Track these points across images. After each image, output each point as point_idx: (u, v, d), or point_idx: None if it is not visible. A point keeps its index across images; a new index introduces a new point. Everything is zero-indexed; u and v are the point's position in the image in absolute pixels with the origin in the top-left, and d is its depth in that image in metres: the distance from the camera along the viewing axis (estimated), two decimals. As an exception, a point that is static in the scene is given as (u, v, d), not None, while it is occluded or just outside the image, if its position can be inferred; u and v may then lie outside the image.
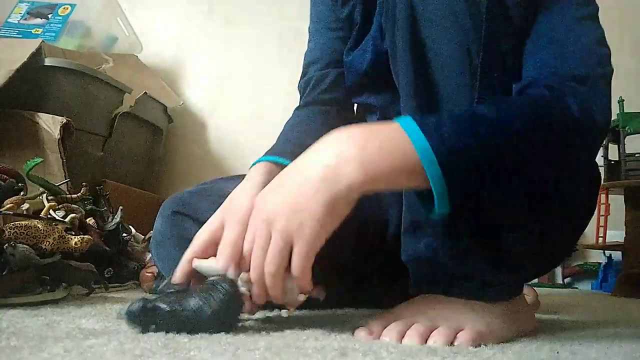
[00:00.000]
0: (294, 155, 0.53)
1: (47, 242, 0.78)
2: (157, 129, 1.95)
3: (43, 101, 1.41)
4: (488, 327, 0.55)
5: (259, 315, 0.65)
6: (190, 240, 0.61)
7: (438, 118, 0.50)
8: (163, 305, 0.50)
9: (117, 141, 1.67)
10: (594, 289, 1.88)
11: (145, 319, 0.50)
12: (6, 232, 0.75)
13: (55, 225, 0.83)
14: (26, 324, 0.54)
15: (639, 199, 1.60)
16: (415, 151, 0.47)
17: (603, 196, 1.71)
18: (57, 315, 0.61)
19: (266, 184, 0.56)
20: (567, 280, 1.97)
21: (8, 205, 0.86)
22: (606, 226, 1.73)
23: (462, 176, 0.49)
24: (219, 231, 0.59)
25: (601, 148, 1.70)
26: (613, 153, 1.69)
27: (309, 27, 0.93)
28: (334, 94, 0.87)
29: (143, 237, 1.26)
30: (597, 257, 1.93)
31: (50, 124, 1.32)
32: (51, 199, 0.95)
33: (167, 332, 0.49)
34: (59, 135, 1.30)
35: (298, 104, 0.89)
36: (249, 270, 0.53)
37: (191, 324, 0.50)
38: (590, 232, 1.76)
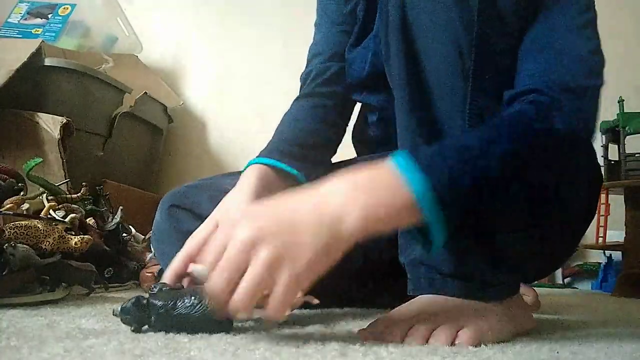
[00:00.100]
0: (290, 157, 0.53)
1: (47, 242, 0.78)
2: (157, 129, 1.95)
3: (43, 101, 1.41)
4: (488, 327, 0.55)
5: (259, 315, 0.65)
6: (187, 234, 0.61)
7: (430, 158, 0.50)
8: (157, 302, 0.50)
9: (117, 141, 1.67)
10: (594, 289, 1.87)
11: (139, 315, 0.50)
12: (6, 232, 0.75)
13: (55, 225, 0.83)
14: (26, 324, 0.54)
15: (639, 199, 1.60)
16: (417, 203, 0.47)
17: (603, 196, 1.70)
18: (57, 315, 0.61)
19: (260, 190, 0.55)
20: (567, 280, 1.97)
21: (8, 205, 0.86)
22: (606, 226, 1.73)
23: (458, 212, 0.50)
24: (213, 233, 0.59)
25: (601, 148, 1.70)
26: (613, 153, 1.69)
27: (315, 22, 0.94)
28: (333, 87, 0.87)
29: (143, 237, 1.26)
30: (597, 257, 1.93)
31: (50, 124, 1.32)
32: (51, 199, 0.95)
33: (161, 329, 0.50)
34: (59, 135, 1.30)
35: (298, 95, 0.89)
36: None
37: (185, 322, 0.50)
38: (590, 232, 1.76)
